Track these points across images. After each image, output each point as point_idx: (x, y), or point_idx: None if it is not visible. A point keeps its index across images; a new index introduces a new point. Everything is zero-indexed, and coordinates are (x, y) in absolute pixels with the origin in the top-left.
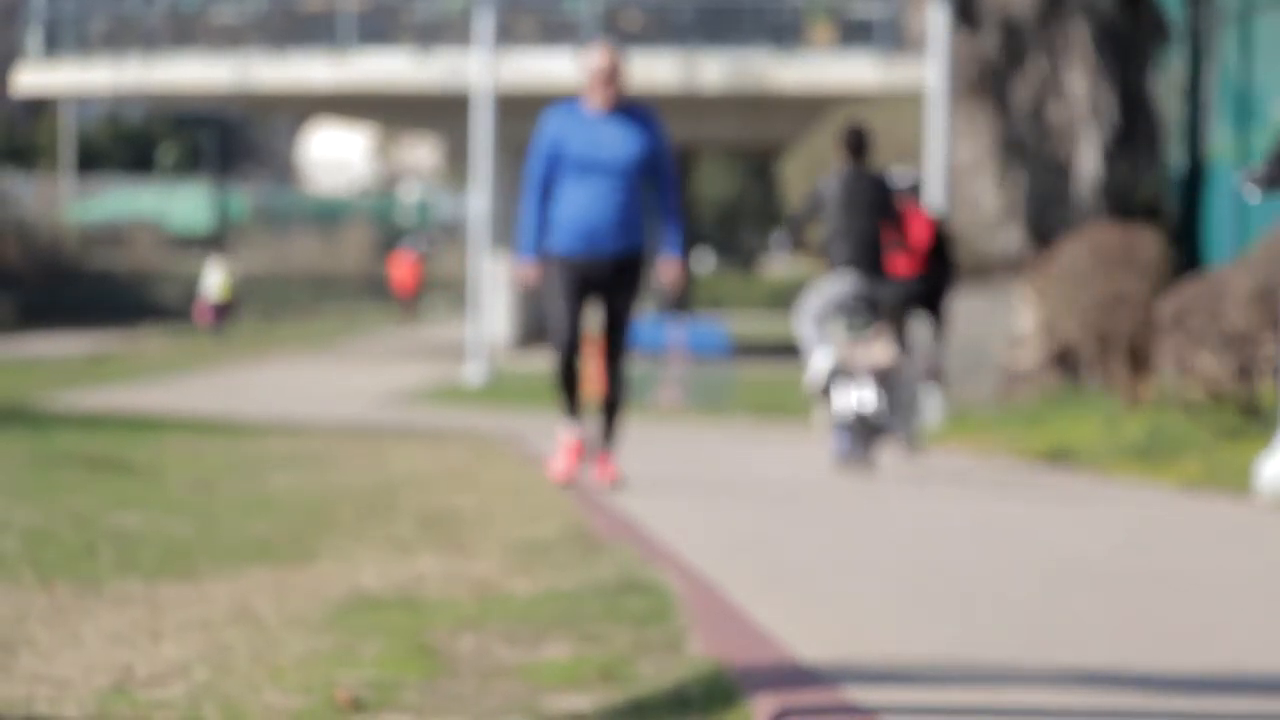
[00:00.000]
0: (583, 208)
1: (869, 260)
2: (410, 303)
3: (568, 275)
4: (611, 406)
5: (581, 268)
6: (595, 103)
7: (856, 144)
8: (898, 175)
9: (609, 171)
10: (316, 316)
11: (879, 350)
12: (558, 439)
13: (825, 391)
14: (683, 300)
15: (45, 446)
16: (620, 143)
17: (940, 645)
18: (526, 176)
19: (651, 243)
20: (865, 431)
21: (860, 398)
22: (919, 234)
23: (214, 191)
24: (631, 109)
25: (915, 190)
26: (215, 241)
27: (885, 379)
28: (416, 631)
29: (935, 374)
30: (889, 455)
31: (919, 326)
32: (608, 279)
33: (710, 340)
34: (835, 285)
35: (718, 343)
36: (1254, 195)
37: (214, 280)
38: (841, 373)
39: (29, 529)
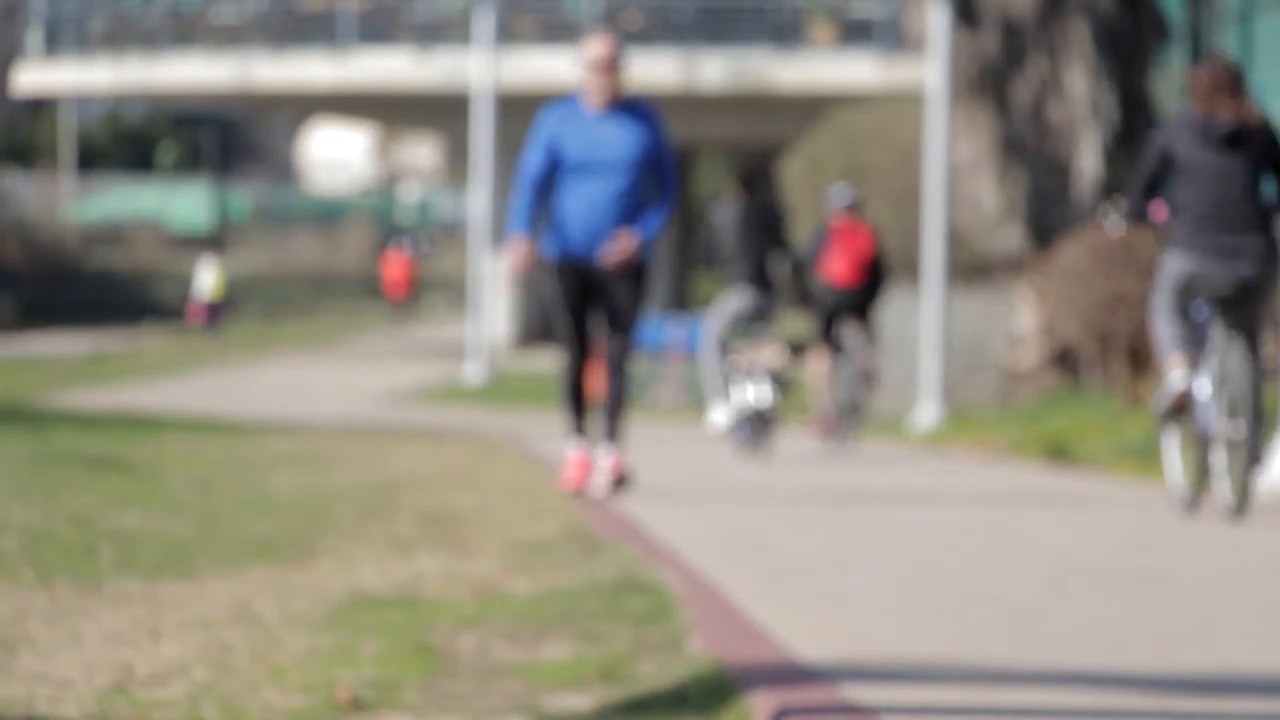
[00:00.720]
0: (584, 209)
1: (760, 277)
2: (402, 304)
3: (572, 282)
4: (614, 408)
5: (586, 271)
6: (594, 100)
7: (749, 181)
8: (835, 194)
9: (610, 171)
10: (317, 316)
11: (770, 354)
12: (566, 455)
13: (724, 435)
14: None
15: (45, 446)
16: (621, 140)
17: (939, 644)
18: (519, 168)
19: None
20: (761, 423)
21: (756, 394)
22: (862, 247)
23: (214, 191)
24: (631, 105)
25: (854, 208)
26: (215, 241)
27: (778, 377)
28: (416, 631)
29: (871, 376)
30: (785, 442)
31: (856, 332)
32: (612, 279)
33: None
34: (734, 300)
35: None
36: (1117, 229)
37: (207, 279)
38: (741, 373)
39: (29, 528)
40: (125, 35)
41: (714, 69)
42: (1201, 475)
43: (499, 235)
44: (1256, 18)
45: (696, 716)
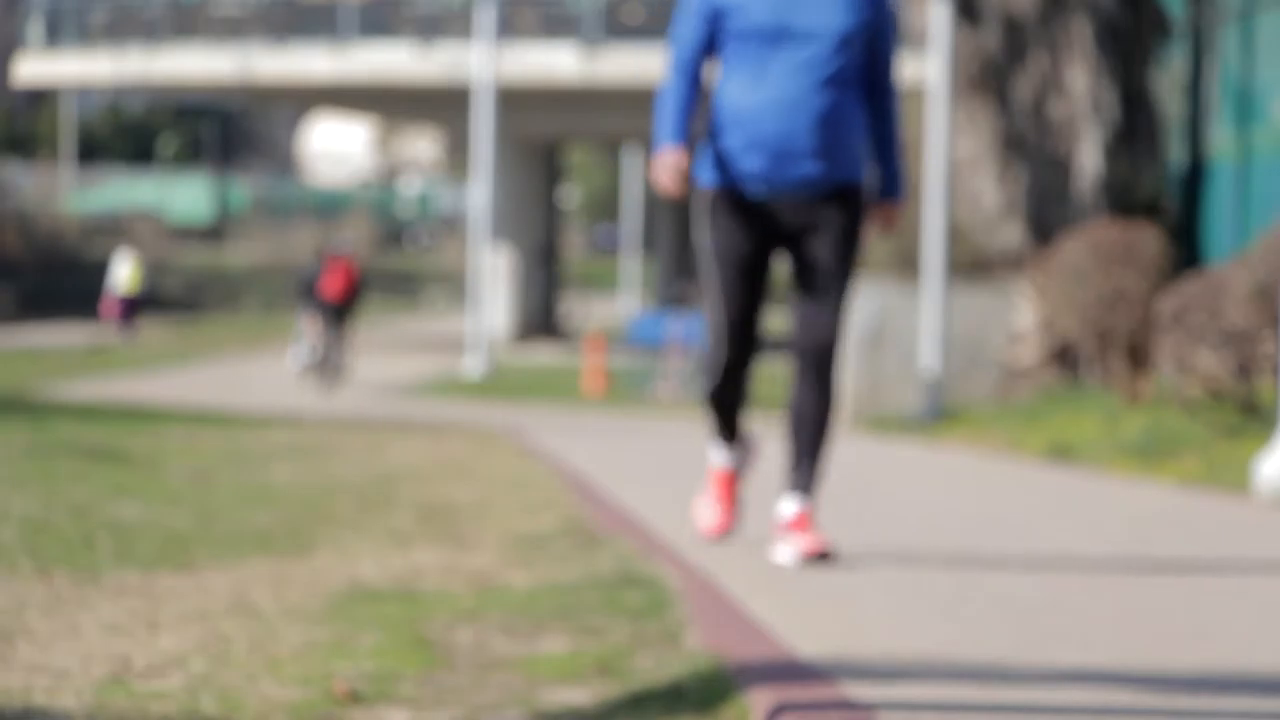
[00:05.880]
0: (767, 108)
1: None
2: (340, 307)
3: (741, 221)
4: (814, 429)
5: (765, 207)
6: None
7: None
8: None
9: (812, 46)
10: None
11: None
12: (708, 470)
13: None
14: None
15: (44, 436)
16: (826, 6)
17: (937, 641)
18: (671, 48)
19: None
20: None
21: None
22: None
23: (214, 183)
24: None
25: None
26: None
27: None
28: (414, 623)
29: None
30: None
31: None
32: (808, 225)
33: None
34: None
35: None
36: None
37: (122, 273)
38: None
39: (27, 519)
40: (126, 27)
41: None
42: None
43: (498, 229)
44: (1258, 15)
45: (694, 711)
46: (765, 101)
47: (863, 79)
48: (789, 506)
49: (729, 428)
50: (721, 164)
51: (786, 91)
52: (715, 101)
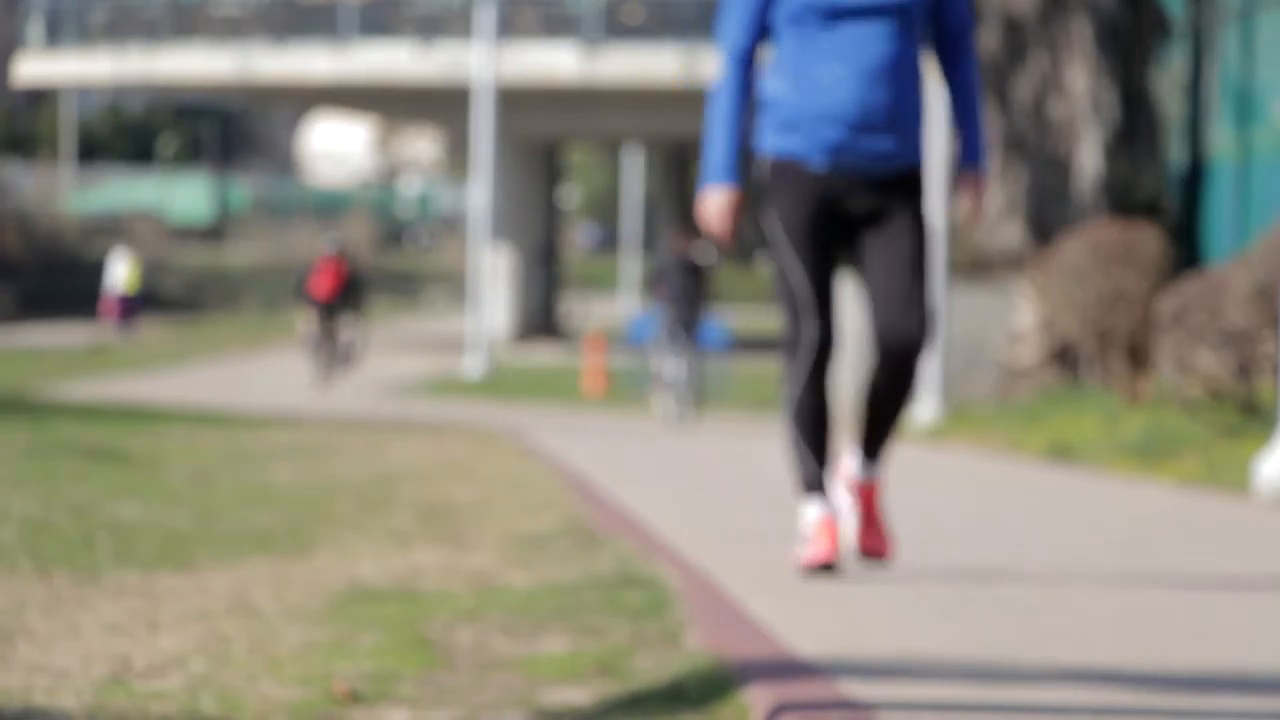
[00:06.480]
0: (833, 84)
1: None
2: (331, 306)
3: (811, 204)
4: (889, 408)
5: (833, 187)
6: None
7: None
8: (701, 252)
9: (874, 20)
10: None
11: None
12: (804, 520)
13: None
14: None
15: (44, 436)
16: None
17: (937, 641)
18: (720, 44)
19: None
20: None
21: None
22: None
23: (214, 182)
24: None
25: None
26: (215, 232)
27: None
28: (414, 623)
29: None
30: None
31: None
32: (874, 210)
33: (710, 334)
34: (666, 320)
35: (717, 336)
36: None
37: (119, 272)
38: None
39: (27, 519)
40: (126, 27)
41: (715, 64)
42: None
43: (498, 229)
44: (1258, 16)
45: (694, 711)
46: (833, 80)
47: (932, 53)
48: (854, 468)
49: (819, 457)
50: (786, 133)
51: (852, 70)
52: (780, 82)
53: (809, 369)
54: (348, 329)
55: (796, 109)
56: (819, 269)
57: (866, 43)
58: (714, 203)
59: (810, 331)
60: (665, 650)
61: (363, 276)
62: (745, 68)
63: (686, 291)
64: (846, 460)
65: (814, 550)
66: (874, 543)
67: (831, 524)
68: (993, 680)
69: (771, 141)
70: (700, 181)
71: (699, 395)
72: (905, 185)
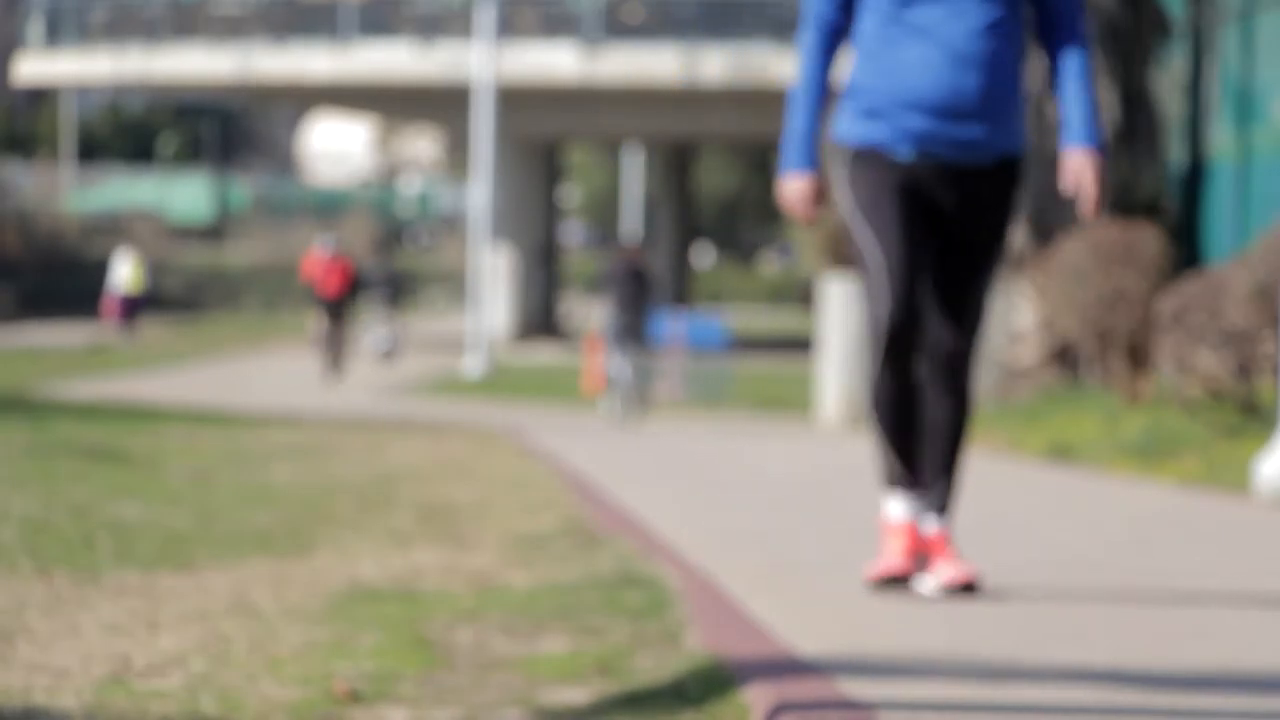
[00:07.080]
0: (921, 66)
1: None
2: (335, 304)
3: (897, 194)
4: (948, 441)
5: (921, 178)
6: None
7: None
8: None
9: (963, 3)
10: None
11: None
12: (885, 518)
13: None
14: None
15: (44, 436)
16: None
17: (938, 641)
18: (803, 25)
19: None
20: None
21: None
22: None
23: (214, 182)
24: None
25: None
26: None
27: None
28: (414, 623)
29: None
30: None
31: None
32: (960, 201)
33: (709, 334)
34: (613, 323)
35: (716, 336)
36: None
37: (123, 272)
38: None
39: (27, 519)
40: (126, 26)
41: (715, 64)
42: None
43: (498, 229)
44: (1258, 16)
45: (694, 711)
46: (922, 62)
47: (1033, 33)
48: (932, 528)
49: (906, 454)
50: (868, 120)
51: (943, 50)
52: (865, 64)
53: (883, 354)
54: (350, 326)
55: (879, 94)
56: (904, 250)
57: (958, 19)
58: (793, 190)
59: (882, 313)
60: (665, 650)
61: (397, 275)
62: (832, 40)
63: (632, 297)
64: (902, 510)
65: (885, 561)
66: (957, 573)
67: (910, 530)
68: (993, 680)
69: (851, 129)
70: (780, 168)
71: (644, 395)
72: (997, 177)
